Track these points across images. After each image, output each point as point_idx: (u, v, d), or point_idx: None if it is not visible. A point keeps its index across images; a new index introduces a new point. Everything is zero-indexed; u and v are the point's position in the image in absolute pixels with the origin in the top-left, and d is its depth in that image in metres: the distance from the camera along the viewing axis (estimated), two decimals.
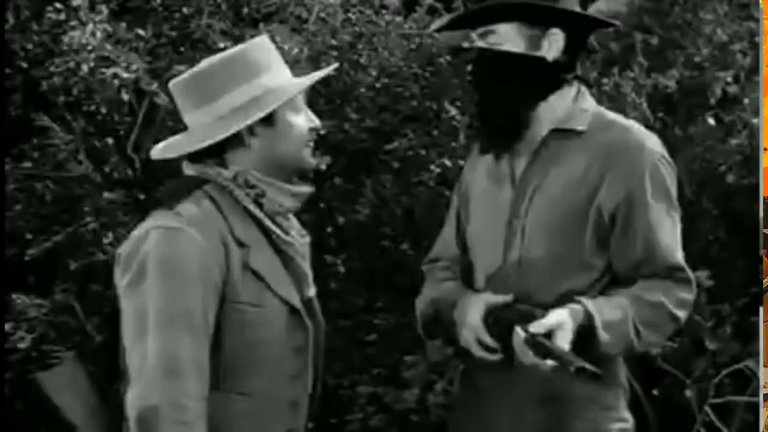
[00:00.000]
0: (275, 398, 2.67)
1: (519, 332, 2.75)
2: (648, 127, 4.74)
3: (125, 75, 4.60)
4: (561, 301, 2.83)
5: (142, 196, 4.72)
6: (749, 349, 4.24)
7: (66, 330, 4.63)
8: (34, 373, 4.49)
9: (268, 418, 2.66)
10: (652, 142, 2.92)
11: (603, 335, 2.78)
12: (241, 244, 2.62)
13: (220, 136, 2.63)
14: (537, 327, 2.73)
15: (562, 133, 2.90)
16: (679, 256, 2.89)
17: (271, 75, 2.69)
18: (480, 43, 2.92)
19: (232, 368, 2.61)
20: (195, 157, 2.67)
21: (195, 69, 2.70)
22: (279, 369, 2.66)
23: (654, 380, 4.42)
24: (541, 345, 2.71)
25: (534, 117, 2.91)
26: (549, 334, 2.73)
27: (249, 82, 2.66)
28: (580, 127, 2.90)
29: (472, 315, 2.87)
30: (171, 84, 2.73)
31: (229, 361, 2.61)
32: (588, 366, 2.64)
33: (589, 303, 2.81)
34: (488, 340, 2.84)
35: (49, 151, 4.77)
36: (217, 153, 2.66)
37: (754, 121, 4.35)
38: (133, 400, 2.50)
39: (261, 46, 2.72)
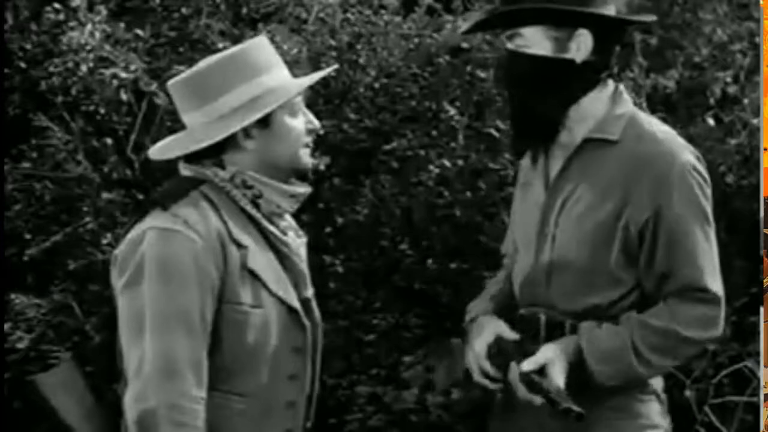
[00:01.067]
0: (273, 399, 2.66)
1: (514, 368, 2.80)
2: None
3: (124, 75, 4.59)
4: (586, 313, 2.83)
5: (140, 197, 4.72)
6: (749, 349, 4.24)
7: (64, 330, 4.62)
8: (33, 373, 4.48)
9: (265, 418, 2.66)
10: (684, 152, 2.85)
11: (595, 367, 2.79)
12: (239, 245, 2.61)
13: (219, 137, 2.62)
14: (528, 364, 2.76)
15: (595, 141, 2.87)
16: (704, 276, 2.81)
17: (270, 75, 2.68)
18: (508, 45, 2.89)
19: (230, 369, 2.60)
20: (192, 157, 2.67)
21: (194, 69, 2.69)
22: (277, 369, 2.66)
23: None
24: (535, 383, 2.75)
25: (567, 119, 2.87)
26: (542, 369, 2.76)
27: (248, 82, 2.65)
28: (612, 137, 2.85)
29: (479, 341, 2.90)
30: (170, 84, 2.72)
31: (227, 362, 2.60)
32: (574, 408, 2.68)
33: (584, 334, 2.81)
34: (488, 368, 2.87)
35: (47, 152, 4.76)
36: (214, 153, 2.65)
37: (754, 121, 4.35)
38: (130, 401, 2.50)
39: (260, 46, 2.71)
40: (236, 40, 4.68)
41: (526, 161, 3.01)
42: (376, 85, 4.83)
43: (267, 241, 2.67)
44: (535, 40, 2.84)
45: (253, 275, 2.62)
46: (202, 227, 2.57)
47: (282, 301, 2.65)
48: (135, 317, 2.53)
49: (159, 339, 2.50)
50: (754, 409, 4.27)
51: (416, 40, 4.88)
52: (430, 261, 4.70)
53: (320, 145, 4.56)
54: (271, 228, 2.68)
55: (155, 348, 2.49)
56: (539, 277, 2.89)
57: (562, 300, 2.86)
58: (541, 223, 2.90)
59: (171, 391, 2.48)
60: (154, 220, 2.58)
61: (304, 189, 2.73)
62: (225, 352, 2.60)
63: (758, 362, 3.95)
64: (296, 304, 2.68)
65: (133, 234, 2.59)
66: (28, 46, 4.91)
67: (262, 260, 2.64)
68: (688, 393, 4.26)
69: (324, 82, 4.78)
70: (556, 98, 2.86)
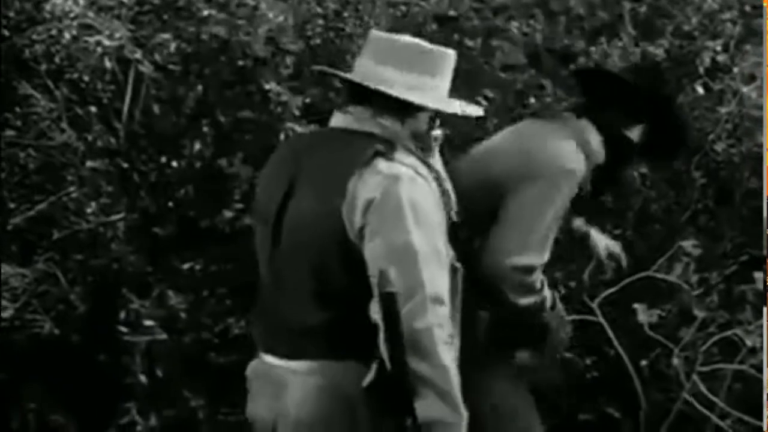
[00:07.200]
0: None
1: None
2: None
3: (108, 43, 4.55)
4: None
5: (125, 165, 4.69)
6: (738, 317, 4.26)
7: (49, 299, 4.60)
8: (18, 342, 4.47)
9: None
10: None
11: None
12: (444, 193, 2.88)
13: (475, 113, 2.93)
14: None
15: None
16: None
17: None
18: None
19: None
20: (376, 108, 2.89)
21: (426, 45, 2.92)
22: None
23: (642, 350, 4.42)
24: None
25: None
26: None
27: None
28: None
29: None
30: (406, 41, 2.92)
31: None
32: None
33: None
34: None
35: (31, 120, 4.72)
36: (402, 112, 2.88)
37: (744, 89, 4.36)
38: (409, 319, 2.71)
39: None
40: (221, 8, 4.64)
41: None
42: None
43: None
44: None
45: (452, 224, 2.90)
46: (429, 177, 2.83)
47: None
48: (401, 248, 2.74)
49: (428, 269, 2.76)
50: (743, 378, 4.28)
51: (404, 8, 4.86)
52: None
53: (306, 114, 4.54)
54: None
55: (426, 276, 2.75)
56: None
57: None
58: None
59: (441, 314, 2.76)
60: (391, 168, 2.79)
61: None
62: None
63: (747, 331, 3.98)
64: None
65: (379, 177, 2.77)
66: (11, 14, 4.85)
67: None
68: (675, 361, 4.27)
69: (311, 51, 4.76)
70: None
